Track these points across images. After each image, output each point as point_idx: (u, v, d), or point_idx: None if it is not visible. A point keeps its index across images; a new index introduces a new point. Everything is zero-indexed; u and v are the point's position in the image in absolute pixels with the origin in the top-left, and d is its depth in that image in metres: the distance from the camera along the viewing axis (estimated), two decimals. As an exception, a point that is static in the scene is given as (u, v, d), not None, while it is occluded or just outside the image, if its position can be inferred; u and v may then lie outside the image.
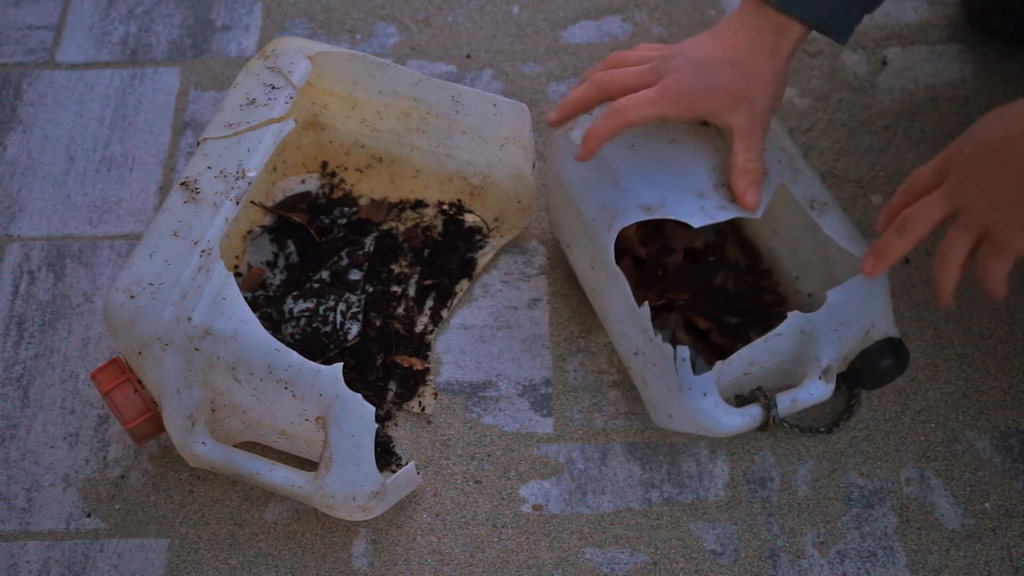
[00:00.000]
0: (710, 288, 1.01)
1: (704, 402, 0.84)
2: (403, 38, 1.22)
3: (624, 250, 1.01)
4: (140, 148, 1.13)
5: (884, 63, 1.18)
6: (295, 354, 0.82)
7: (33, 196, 1.10)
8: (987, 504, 0.92)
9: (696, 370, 0.85)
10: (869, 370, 0.89)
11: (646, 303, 0.86)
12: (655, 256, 1.01)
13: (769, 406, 0.86)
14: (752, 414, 0.86)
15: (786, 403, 0.86)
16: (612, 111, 0.86)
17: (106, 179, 1.11)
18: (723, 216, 0.87)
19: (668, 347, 0.85)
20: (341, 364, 0.82)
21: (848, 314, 0.86)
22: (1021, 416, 0.96)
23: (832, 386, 0.87)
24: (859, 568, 0.89)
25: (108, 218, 1.08)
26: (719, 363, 0.85)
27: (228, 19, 1.24)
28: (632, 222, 0.88)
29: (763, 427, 0.87)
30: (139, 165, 1.12)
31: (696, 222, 0.87)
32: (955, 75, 1.17)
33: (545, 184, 1.06)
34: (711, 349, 0.97)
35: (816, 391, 0.86)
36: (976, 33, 1.20)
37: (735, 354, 0.85)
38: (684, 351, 0.84)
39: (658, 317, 0.98)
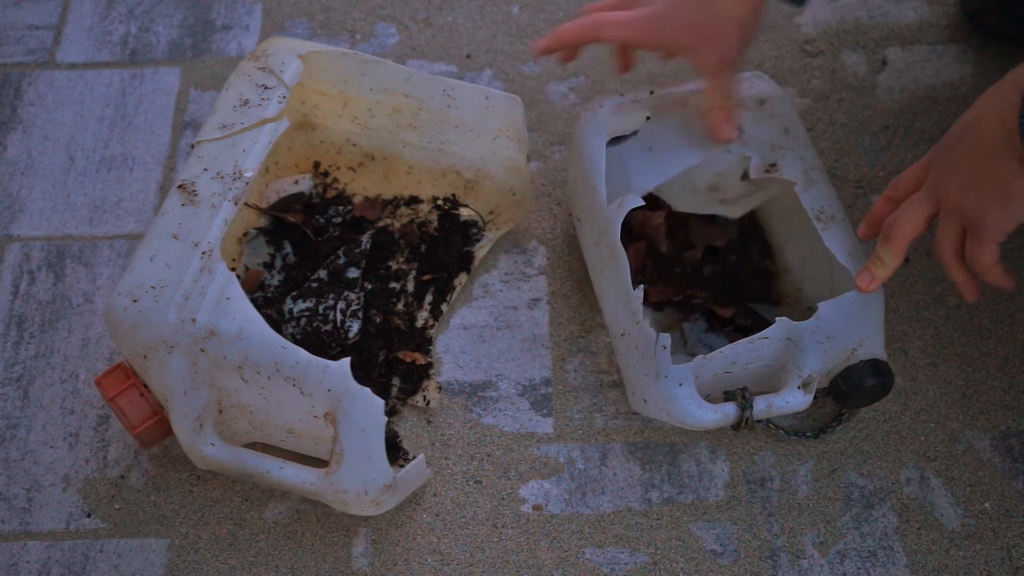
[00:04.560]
0: (727, 287, 1.01)
1: (678, 392, 0.85)
2: (403, 38, 1.22)
3: (643, 236, 1.01)
4: (140, 148, 1.13)
5: (884, 63, 1.18)
6: (302, 351, 0.82)
7: (33, 196, 1.10)
8: (987, 504, 0.92)
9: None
10: (850, 388, 0.89)
11: (640, 286, 0.87)
12: (675, 251, 1.02)
13: (745, 407, 0.86)
14: (726, 412, 0.86)
15: (761, 407, 0.86)
16: (589, 21, 0.90)
17: (106, 179, 1.11)
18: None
19: (651, 332, 0.85)
20: (349, 359, 0.82)
21: (837, 329, 0.86)
22: (1021, 416, 0.96)
23: (810, 397, 0.87)
24: (859, 568, 0.89)
25: (108, 218, 1.08)
26: (699, 356, 0.86)
27: (228, 19, 1.24)
28: (636, 206, 0.90)
29: (736, 427, 0.87)
30: (139, 165, 1.12)
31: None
32: (955, 75, 1.17)
33: (566, 159, 1.08)
34: (737, 334, 0.97)
35: (793, 400, 0.86)
36: (976, 33, 1.20)
37: (717, 351, 0.86)
38: (665, 338, 0.85)
39: (677, 311, 1.00)
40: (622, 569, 0.89)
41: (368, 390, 0.81)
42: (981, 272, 0.79)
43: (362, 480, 0.82)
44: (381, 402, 0.81)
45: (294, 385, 0.82)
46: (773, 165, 0.93)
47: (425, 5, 1.24)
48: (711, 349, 0.97)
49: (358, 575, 0.89)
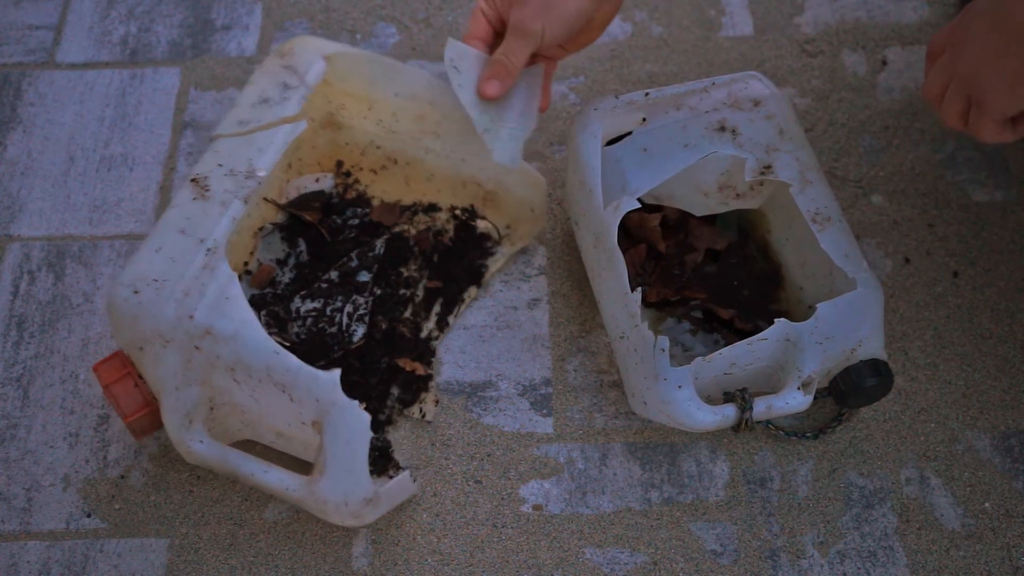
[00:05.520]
0: (727, 289, 1.01)
1: (678, 394, 0.85)
2: (403, 38, 1.22)
3: (642, 239, 1.01)
4: (140, 148, 1.13)
5: (884, 63, 1.19)
6: (294, 358, 0.82)
7: (33, 196, 1.10)
8: (987, 504, 0.92)
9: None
10: (850, 388, 0.89)
11: (639, 289, 0.87)
12: (675, 252, 1.02)
13: (744, 408, 0.86)
14: (725, 413, 0.86)
15: (761, 408, 0.86)
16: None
17: (106, 179, 1.11)
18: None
19: (649, 334, 0.85)
20: (339, 370, 0.82)
21: (836, 329, 0.87)
22: (1021, 416, 0.96)
23: (810, 398, 0.87)
24: (859, 568, 0.89)
25: (108, 218, 1.08)
26: (699, 359, 0.86)
27: (228, 19, 1.24)
28: (637, 207, 0.90)
29: (736, 428, 0.87)
30: (139, 165, 1.12)
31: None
32: (955, 75, 1.17)
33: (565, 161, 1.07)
34: (736, 337, 0.97)
35: (792, 400, 0.86)
36: (976, 33, 1.20)
37: (716, 352, 0.86)
38: (663, 341, 0.85)
39: (675, 312, 0.99)
40: (622, 569, 0.89)
41: (356, 403, 0.81)
42: (980, 138, 0.83)
43: (343, 492, 0.82)
44: (367, 417, 0.81)
45: (284, 391, 0.82)
46: (768, 167, 0.93)
47: (425, 5, 1.24)
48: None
49: (358, 575, 0.89)
